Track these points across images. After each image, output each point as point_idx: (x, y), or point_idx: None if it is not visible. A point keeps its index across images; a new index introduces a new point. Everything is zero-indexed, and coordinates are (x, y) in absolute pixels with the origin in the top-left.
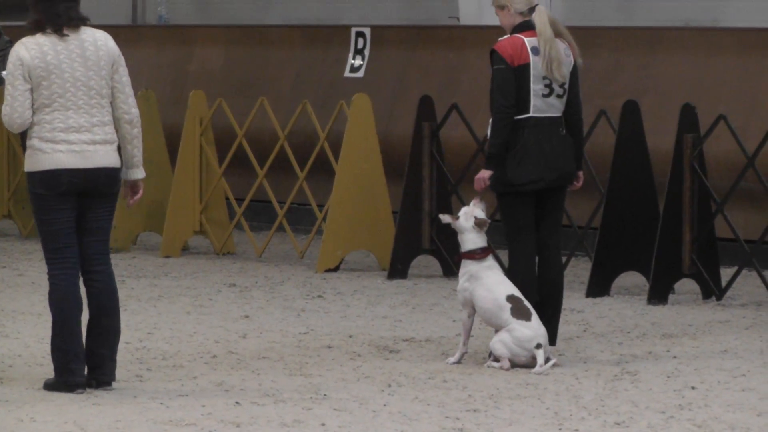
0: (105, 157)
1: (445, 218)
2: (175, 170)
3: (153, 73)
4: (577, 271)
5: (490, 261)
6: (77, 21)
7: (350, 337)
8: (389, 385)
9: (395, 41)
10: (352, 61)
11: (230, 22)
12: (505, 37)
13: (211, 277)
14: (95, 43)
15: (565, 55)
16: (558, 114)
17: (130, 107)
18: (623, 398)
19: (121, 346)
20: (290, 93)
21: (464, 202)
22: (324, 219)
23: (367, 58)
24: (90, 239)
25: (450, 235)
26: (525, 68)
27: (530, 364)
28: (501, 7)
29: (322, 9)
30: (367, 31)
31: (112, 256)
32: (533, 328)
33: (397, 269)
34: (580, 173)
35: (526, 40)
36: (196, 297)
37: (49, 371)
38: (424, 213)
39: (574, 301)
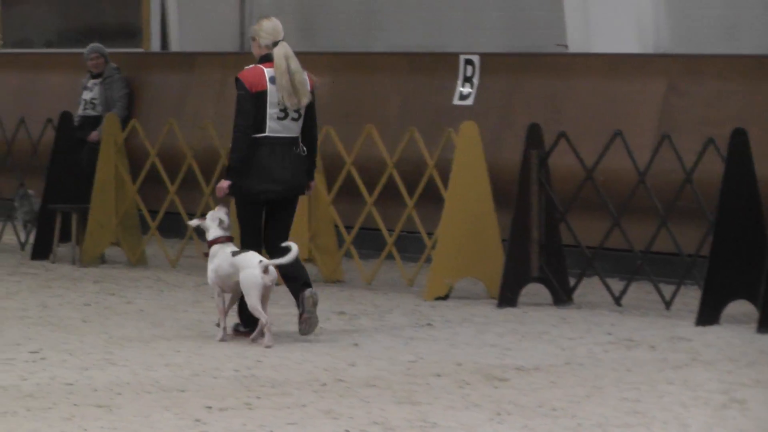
0: None
1: (193, 222)
2: None
3: None
4: (686, 299)
5: (230, 246)
6: None
7: (459, 365)
8: (498, 414)
9: (502, 69)
10: (461, 89)
11: (336, 49)
12: (250, 66)
13: (319, 305)
14: None
15: (303, 85)
16: (293, 134)
17: None
18: (731, 427)
19: (230, 373)
20: (396, 120)
21: (572, 230)
22: (433, 247)
23: (476, 85)
24: None
25: (559, 263)
26: (263, 94)
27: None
28: (253, 39)
29: (427, 36)
30: (476, 59)
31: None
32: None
33: (507, 297)
34: (312, 183)
35: (266, 70)
36: None
37: (158, 398)
38: (533, 241)
39: (683, 330)
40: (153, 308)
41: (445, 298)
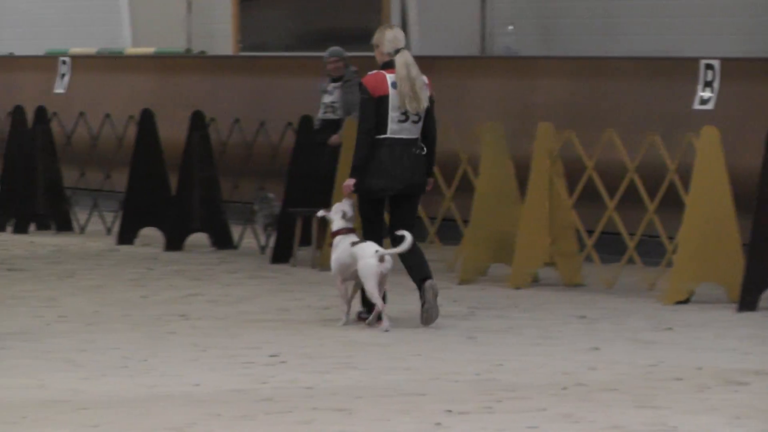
0: None
1: (319, 213)
2: (525, 202)
3: (500, 104)
4: None
5: (352, 236)
6: None
7: (699, 369)
8: (737, 418)
9: (742, 74)
10: (701, 94)
11: (576, 53)
12: (373, 72)
13: (559, 309)
14: None
15: (423, 90)
16: (413, 136)
17: None
18: None
19: (470, 377)
20: (635, 125)
21: None
22: (674, 251)
23: (717, 90)
24: None
25: None
26: (384, 98)
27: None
28: (375, 46)
29: (665, 41)
30: (716, 64)
31: (461, 287)
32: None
33: (747, 301)
34: (431, 180)
35: (387, 75)
36: (545, 328)
37: (398, 402)
38: None
39: None
40: (394, 312)
41: (686, 302)
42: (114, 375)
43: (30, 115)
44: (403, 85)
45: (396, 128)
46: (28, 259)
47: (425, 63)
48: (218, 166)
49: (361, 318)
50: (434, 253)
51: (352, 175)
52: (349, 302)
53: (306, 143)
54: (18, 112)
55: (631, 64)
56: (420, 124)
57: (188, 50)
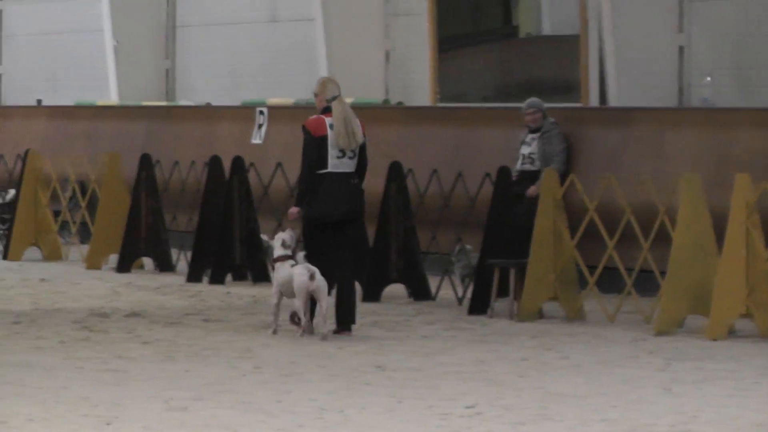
0: None
1: (264, 237)
2: (722, 253)
3: (697, 155)
4: None
5: (290, 262)
6: None
7: None
8: None
9: None
10: None
11: None
12: (314, 116)
13: (755, 361)
14: None
15: (357, 130)
16: (350, 170)
17: None
18: None
19: (665, 428)
20: None
21: None
22: None
23: None
24: None
25: None
26: (324, 138)
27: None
28: (315, 95)
29: None
30: None
31: (657, 338)
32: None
33: None
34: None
35: (326, 119)
36: (741, 380)
37: None
38: None
39: None
40: (589, 363)
41: None
42: (310, 426)
43: (227, 166)
44: (339, 126)
45: (335, 164)
46: (224, 309)
47: (622, 114)
48: (416, 216)
49: (294, 321)
50: (631, 305)
51: (296, 204)
52: (277, 317)
53: (504, 194)
54: (215, 162)
55: None
56: (355, 160)
57: (386, 101)
